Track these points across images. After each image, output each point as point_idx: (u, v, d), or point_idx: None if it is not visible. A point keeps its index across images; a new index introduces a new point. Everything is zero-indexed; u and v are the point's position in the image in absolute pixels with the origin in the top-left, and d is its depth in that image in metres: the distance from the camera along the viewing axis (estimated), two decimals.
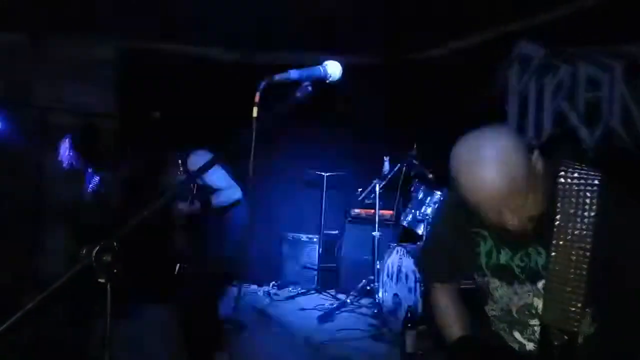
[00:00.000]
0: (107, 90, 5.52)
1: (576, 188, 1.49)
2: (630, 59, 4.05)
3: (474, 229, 1.68)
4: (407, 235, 4.70)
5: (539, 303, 1.58)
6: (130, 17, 4.76)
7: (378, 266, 4.55)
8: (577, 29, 4.33)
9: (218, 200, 3.57)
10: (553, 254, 1.50)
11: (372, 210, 4.97)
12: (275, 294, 5.36)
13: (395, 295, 4.16)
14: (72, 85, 5.38)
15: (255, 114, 1.35)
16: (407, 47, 5.74)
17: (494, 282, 1.68)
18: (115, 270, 1.15)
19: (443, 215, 1.94)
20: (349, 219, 5.53)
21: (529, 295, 1.60)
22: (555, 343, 1.53)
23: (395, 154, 4.85)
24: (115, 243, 1.15)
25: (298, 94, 1.44)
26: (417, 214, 4.31)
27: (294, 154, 5.67)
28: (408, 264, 4.04)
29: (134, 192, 3.70)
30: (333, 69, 1.49)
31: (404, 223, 4.44)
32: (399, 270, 4.15)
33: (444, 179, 4.26)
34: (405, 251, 4.10)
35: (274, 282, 5.56)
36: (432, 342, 3.55)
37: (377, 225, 4.85)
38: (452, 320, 1.83)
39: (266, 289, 5.45)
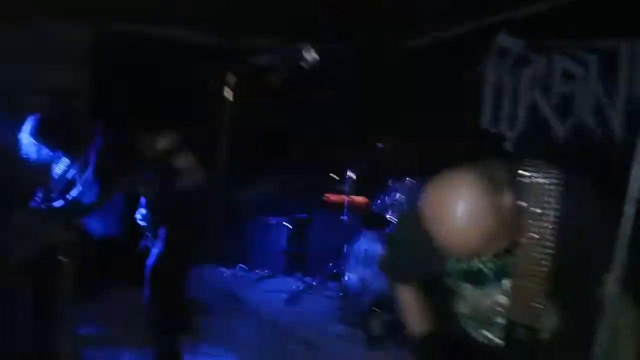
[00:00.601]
0: (82, 71, 5.34)
1: (538, 187, 1.48)
2: (605, 54, 4.09)
3: None
4: (376, 221, 4.71)
5: (504, 299, 1.60)
6: None
7: (346, 250, 4.56)
8: (555, 23, 4.37)
9: (182, 183, 3.53)
10: (518, 252, 1.50)
11: (344, 196, 4.97)
12: (243, 277, 5.34)
13: (362, 279, 4.18)
14: (45, 66, 5.18)
15: (230, 97, 1.31)
16: (386, 36, 5.70)
17: (463, 285, 1.69)
18: (76, 249, 1.11)
19: (409, 215, 1.87)
20: (321, 203, 5.52)
21: (495, 292, 1.62)
22: (520, 339, 1.55)
23: (371, 140, 4.84)
24: (77, 222, 1.11)
25: (273, 78, 1.40)
26: (387, 201, 4.33)
27: (266, 139, 5.62)
28: (376, 248, 4.06)
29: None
30: (308, 54, 1.46)
31: (374, 208, 4.45)
32: (367, 255, 4.16)
33: (417, 166, 4.30)
34: (373, 236, 4.11)
35: (241, 265, 5.53)
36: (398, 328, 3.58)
37: (346, 210, 4.85)
38: (416, 318, 1.84)
39: (234, 272, 5.42)
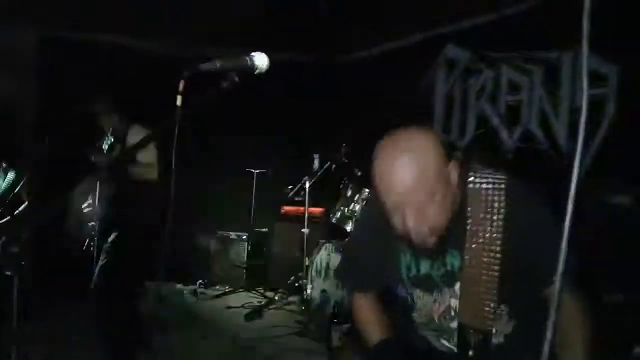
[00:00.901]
0: (26, 80, 5.22)
1: (484, 192, 1.53)
2: (549, 65, 4.26)
3: (394, 242, 1.68)
4: (336, 232, 4.73)
5: (456, 304, 1.61)
6: (52, 5, 4.53)
7: (307, 263, 4.56)
8: (501, 34, 4.53)
9: (134, 170, 3.50)
10: (466, 257, 1.54)
11: (302, 208, 4.98)
12: (202, 293, 5.26)
13: (323, 291, 4.19)
14: None
15: (179, 102, 1.31)
16: (337, 48, 5.79)
17: (417, 293, 1.70)
18: (22, 262, 1.08)
19: (365, 224, 1.93)
20: (279, 216, 5.51)
21: (447, 297, 1.64)
22: (472, 342, 1.56)
23: (325, 152, 4.88)
24: (22, 234, 1.08)
25: (224, 84, 1.41)
26: (346, 211, 4.35)
27: (225, 151, 5.60)
28: (336, 260, 4.08)
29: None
30: (260, 60, 1.47)
31: (333, 220, 4.47)
32: (327, 267, 4.18)
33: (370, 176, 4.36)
34: (333, 247, 4.14)
35: (200, 281, 5.44)
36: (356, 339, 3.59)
37: (306, 222, 4.85)
38: (372, 326, 1.83)
39: (193, 288, 5.34)
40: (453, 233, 1.53)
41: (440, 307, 1.66)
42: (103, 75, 4.87)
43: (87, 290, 3.60)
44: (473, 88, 4.82)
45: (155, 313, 4.20)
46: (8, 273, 1.10)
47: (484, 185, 1.53)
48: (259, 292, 5.21)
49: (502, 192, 1.52)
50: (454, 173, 1.49)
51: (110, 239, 3.56)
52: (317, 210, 5.24)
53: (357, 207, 4.30)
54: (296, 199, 5.13)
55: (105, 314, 3.63)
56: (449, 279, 1.61)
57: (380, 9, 4.52)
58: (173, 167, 1.41)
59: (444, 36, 4.99)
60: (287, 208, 5.49)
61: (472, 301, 1.54)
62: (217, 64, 1.38)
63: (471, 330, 1.56)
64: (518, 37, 4.42)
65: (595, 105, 3.87)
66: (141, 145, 3.08)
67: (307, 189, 4.83)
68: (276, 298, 4.89)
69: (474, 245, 1.52)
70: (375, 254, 1.78)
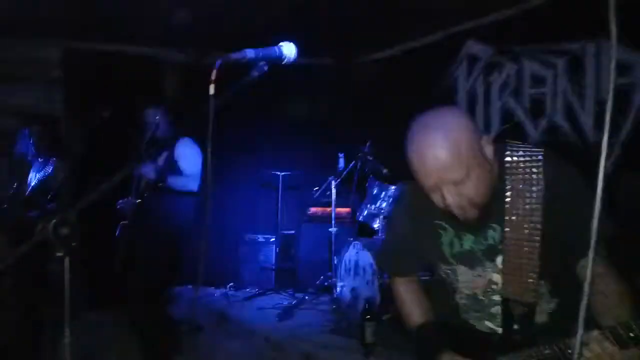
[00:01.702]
0: (53, 91, 5.37)
1: (522, 165, 1.55)
2: (572, 56, 4.24)
3: (434, 221, 1.71)
4: (363, 231, 4.76)
5: (498, 279, 1.62)
6: (76, 17, 4.66)
7: (335, 262, 4.59)
8: (522, 28, 4.52)
9: (174, 181, 3.57)
10: (507, 230, 1.55)
11: (329, 208, 5.02)
12: (233, 295, 5.32)
13: (353, 289, 4.21)
14: (16, 87, 5.21)
15: (211, 91, 1.36)
16: (359, 48, 5.84)
17: (460, 269, 1.70)
18: (73, 244, 1.13)
19: (401, 207, 1.94)
20: (306, 218, 5.56)
21: (489, 272, 1.65)
22: (515, 315, 1.58)
23: (350, 151, 4.92)
24: (72, 216, 1.14)
25: (254, 73, 1.45)
26: (372, 209, 4.38)
27: (250, 154, 5.68)
28: (365, 257, 4.10)
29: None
30: (288, 50, 1.52)
31: (360, 218, 4.50)
32: (356, 265, 4.20)
33: (398, 174, 4.38)
34: (361, 245, 4.16)
35: (231, 284, 5.52)
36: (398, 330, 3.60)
37: (333, 222, 4.89)
38: (413, 310, 1.86)
39: (223, 291, 5.40)
40: (493, 207, 1.55)
41: (483, 282, 1.67)
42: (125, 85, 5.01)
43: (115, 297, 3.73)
44: (496, 83, 4.81)
45: (187, 316, 4.29)
46: (59, 254, 1.15)
47: (521, 159, 1.55)
48: (289, 294, 5.25)
49: (540, 164, 1.53)
50: (488, 148, 1.51)
51: (141, 241, 3.65)
52: (343, 210, 5.27)
53: (384, 205, 4.32)
54: (322, 200, 5.18)
55: (139, 317, 3.73)
56: (491, 253, 1.63)
57: (400, 8, 4.53)
58: (208, 157, 1.43)
59: (464, 33, 4.99)
60: (314, 209, 5.52)
61: (514, 275, 1.56)
62: (247, 53, 1.43)
63: (514, 304, 1.57)
64: (539, 30, 4.40)
65: (621, 96, 3.84)
66: (174, 138, 3.16)
67: (333, 189, 4.87)
68: (306, 298, 4.92)
69: (513, 218, 1.54)
70: (414, 236, 1.80)
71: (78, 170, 3.89)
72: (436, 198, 1.53)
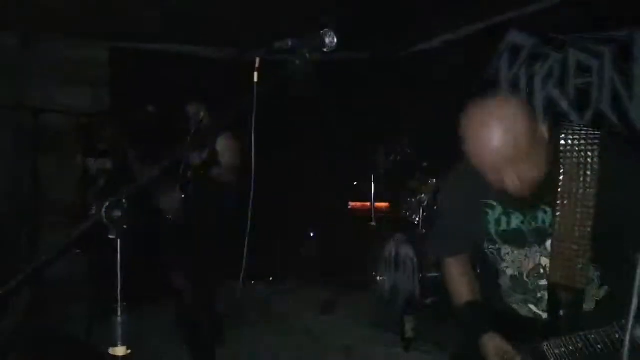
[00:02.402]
0: (101, 90, 5.53)
1: (577, 148, 1.53)
2: (619, 45, 4.11)
3: (481, 199, 1.71)
4: (403, 225, 4.73)
5: (547, 262, 1.61)
6: (121, 17, 4.78)
7: (376, 256, 4.58)
8: (566, 17, 4.41)
9: (215, 172, 3.64)
10: (558, 214, 1.53)
11: (368, 203, 5.01)
12: (274, 289, 5.37)
13: (394, 283, 4.20)
14: (65, 86, 5.38)
15: (255, 79, 1.38)
16: (400, 41, 5.79)
17: (505, 249, 1.69)
18: (125, 226, 1.17)
19: (449, 189, 1.98)
20: (346, 212, 5.56)
21: (538, 256, 1.63)
22: (562, 301, 1.56)
23: (389, 145, 4.89)
24: (124, 199, 1.17)
25: (296, 61, 1.47)
26: (413, 202, 4.35)
27: (290, 150, 5.72)
28: (406, 251, 4.08)
29: None
30: (329, 37, 1.52)
31: (401, 212, 4.48)
32: (397, 259, 4.19)
33: (438, 166, 4.33)
34: (402, 239, 4.14)
35: (272, 277, 5.57)
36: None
37: (373, 216, 4.88)
38: (462, 289, 1.86)
39: (265, 284, 5.46)
40: (546, 189, 1.54)
41: (530, 264, 1.65)
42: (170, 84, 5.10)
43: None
44: (539, 73, 4.71)
45: (230, 309, 4.35)
46: (112, 236, 1.18)
47: (576, 142, 1.53)
48: (330, 287, 5.26)
49: (596, 148, 1.51)
50: (545, 131, 1.50)
51: (189, 234, 3.73)
52: (383, 204, 5.25)
53: (425, 198, 4.29)
54: (362, 194, 5.18)
55: (184, 310, 3.81)
56: (540, 236, 1.61)
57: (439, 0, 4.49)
58: (252, 148, 1.45)
59: (507, 23, 4.90)
60: (353, 204, 5.53)
61: (563, 259, 1.54)
62: (289, 42, 1.45)
63: (562, 289, 1.55)
64: (585, 18, 4.29)
65: None
66: (218, 129, 3.21)
67: (372, 183, 4.86)
68: (347, 292, 4.93)
69: (566, 202, 1.53)
70: (462, 215, 1.80)
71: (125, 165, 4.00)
72: (492, 178, 1.52)
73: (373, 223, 4.88)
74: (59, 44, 5.33)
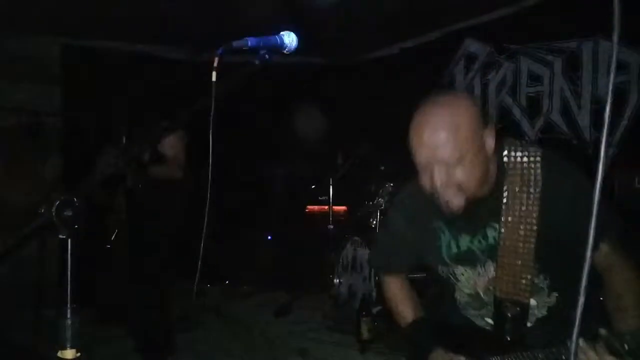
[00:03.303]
0: (52, 89, 5.37)
1: (520, 165, 1.54)
2: (569, 54, 4.26)
3: (432, 224, 1.70)
4: (360, 228, 4.75)
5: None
6: (74, 14, 4.66)
7: (333, 259, 4.59)
8: (519, 27, 4.54)
9: (156, 169, 3.56)
10: (502, 230, 1.54)
11: (326, 207, 5.02)
12: (230, 292, 5.31)
13: (351, 285, 4.22)
14: (14, 84, 5.20)
15: (214, 78, 1.36)
16: (357, 47, 5.85)
17: (458, 269, 1.69)
18: (76, 226, 1.13)
19: (398, 208, 1.92)
20: (303, 216, 5.56)
21: (492, 270, 1.63)
22: (509, 315, 1.57)
23: (347, 149, 4.92)
24: (75, 198, 1.14)
25: (255, 61, 1.46)
26: (370, 206, 4.39)
27: (247, 152, 5.68)
28: (362, 254, 4.12)
29: None
30: (289, 39, 1.52)
31: (358, 214, 4.51)
32: (354, 261, 4.22)
33: (395, 171, 4.39)
34: (359, 242, 4.17)
35: (227, 281, 5.51)
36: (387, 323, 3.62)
37: (331, 219, 4.90)
38: (404, 308, 1.86)
39: (220, 288, 5.40)
40: (492, 206, 1.55)
41: (484, 280, 1.65)
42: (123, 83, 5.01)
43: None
44: (493, 81, 4.83)
45: (185, 312, 4.29)
46: (62, 236, 1.15)
47: (519, 159, 1.53)
48: (286, 290, 5.24)
49: (538, 165, 1.51)
50: (489, 140, 1.50)
51: (136, 236, 3.66)
52: (341, 208, 5.28)
53: (382, 202, 4.33)
54: (320, 198, 5.18)
55: (134, 312, 3.73)
56: (492, 252, 1.60)
57: (398, 6, 4.55)
58: (210, 148, 1.42)
59: (462, 31, 5.01)
60: (311, 207, 5.53)
61: (508, 274, 1.55)
62: (249, 41, 1.44)
63: (508, 304, 1.56)
64: (536, 29, 4.43)
65: (618, 93, 3.86)
66: (167, 131, 3.16)
67: (330, 186, 4.87)
68: (303, 294, 4.92)
69: (510, 218, 1.53)
70: (411, 237, 1.78)
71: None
72: (424, 178, 1.51)
73: (331, 226, 4.89)
74: (9, 40, 5.15)
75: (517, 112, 4.63)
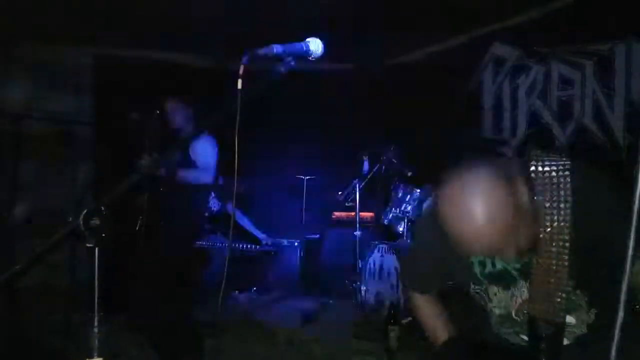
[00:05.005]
0: (84, 98, 5.48)
1: (548, 180, 1.48)
2: (601, 57, 4.17)
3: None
4: (387, 234, 4.73)
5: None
6: (105, 24, 4.75)
7: (360, 266, 4.56)
8: (549, 30, 4.47)
9: (186, 174, 3.60)
10: (537, 247, 1.49)
11: (353, 213, 5.00)
12: (257, 299, 5.32)
13: (378, 292, 4.19)
14: (47, 93, 5.32)
15: (239, 85, 1.37)
16: (384, 52, 5.82)
17: (492, 289, 1.66)
18: (103, 235, 1.14)
19: (429, 220, 1.83)
20: (330, 222, 5.55)
21: (525, 291, 1.59)
22: (543, 335, 1.53)
23: (374, 154, 4.90)
24: (102, 207, 1.15)
25: (281, 69, 1.46)
26: (397, 212, 4.36)
27: (274, 158, 5.70)
28: (390, 261, 4.08)
29: None
30: (315, 45, 1.52)
31: (385, 221, 4.48)
32: (381, 268, 4.18)
33: (422, 176, 4.35)
34: (386, 248, 4.14)
35: (255, 288, 5.52)
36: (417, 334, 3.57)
37: (357, 225, 4.87)
38: (437, 327, 1.85)
39: (247, 294, 5.41)
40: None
41: (517, 301, 1.62)
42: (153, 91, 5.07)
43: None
44: (523, 85, 4.75)
45: (212, 318, 4.30)
46: (89, 245, 1.15)
47: (547, 173, 1.48)
48: (313, 297, 5.23)
49: (568, 178, 1.45)
50: (524, 193, 1.42)
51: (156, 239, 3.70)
52: (368, 214, 5.25)
53: (409, 208, 4.30)
54: (347, 204, 5.16)
55: (155, 320, 3.75)
56: (526, 271, 1.56)
57: (425, 10, 4.51)
58: (236, 153, 1.43)
59: (490, 35, 4.95)
60: (338, 213, 5.51)
61: (542, 292, 1.51)
62: (274, 49, 1.43)
63: (542, 323, 1.52)
64: (567, 32, 4.35)
65: None
66: (199, 132, 3.21)
67: (357, 192, 4.85)
68: (331, 302, 4.90)
69: (541, 236, 1.47)
70: (442, 253, 1.72)
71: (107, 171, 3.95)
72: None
73: (358, 232, 4.87)
74: (41, 50, 5.28)
75: (547, 117, 4.54)
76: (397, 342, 3.67)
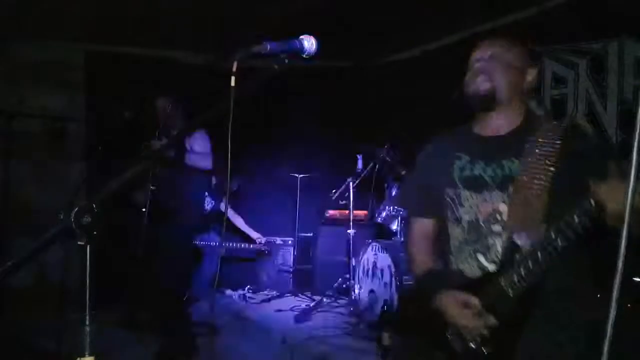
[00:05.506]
0: (75, 94, 5.45)
1: (547, 118, 1.80)
2: (594, 56, 4.18)
3: (452, 152, 1.86)
4: (381, 232, 4.73)
5: (504, 209, 1.70)
6: (98, 20, 4.72)
7: (353, 264, 4.56)
8: (543, 28, 4.46)
9: (190, 159, 3.76)
10: (522, 166, 1.68)
11: (347, 211, 5.00)
12: (251, 298, 5.31)
13: (371, 291, 4.19)
14: (38, 89, 5.29)
15: (232, 82, 1.36)
16: (378, 50, 5.81)
17: (465, 193, 1.79)
18: (94, 232, 1.13)
19: (424, 150, 2.05)
20: (324, 220, 5.54)
21: (497, 200, 1.72)
22: (517, 256, 1.61)
23: (368, 153, 4.89)
24: (94, 205, 1.13)
25: (275, 66, 1.45)
26: (391, 210, 4.35)
27: (267, 156, 5.69)
28: (383, 259, 4.07)
29: None
30: (309, 43, 1.51)
31: (378, 219, 4.48)
32: (375, 266, 4.18)
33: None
34: (380, 247, 4.13)
35: (249, 286, 5.51)
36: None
37: (351, 224, 4.87)
38: (422, 256, 1.96)
39: (241, 293, 5.39)
40: (513, 144, 1.73)
41: (488, 208, 1.74)
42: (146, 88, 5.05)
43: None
44: None
45: (205, 317, 4.29)
46: (81, 243, 1.14)
47: (548, 115, 1.71)
48: (307, 296, 5.23)
49: (565, 125, 1.70)
50: (530, 76, 1.82)
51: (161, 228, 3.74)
52: (361, 212, 5.24)
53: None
54: (340, 202, 5.15)
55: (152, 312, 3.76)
56: (504, 182, 1.72)
57: (419, 9, 4.51)
58: (229, 149, 1.42)
59: (484, 33, 4.94)
60: (332, 212, 5.51)
61: (521, 204, 1.65)
62: (268, 46, 1.43)
63: (517, 247, 1.62)
64: (560, 30, 4.35)
65: None
66: (193, 128, 3.26)
67: (351, 190, 4.85)
68: (324, 300, 4.90)
69: (529, 158, 1.66)
70: (430, 171, 1.93)
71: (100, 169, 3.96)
72: (469, 75, 1.87)
73: (351, 231, 4.86)
74: (33, 46, 5.24)
75: (541, 115, 4.55)
76: (390, 340, 3.67)
